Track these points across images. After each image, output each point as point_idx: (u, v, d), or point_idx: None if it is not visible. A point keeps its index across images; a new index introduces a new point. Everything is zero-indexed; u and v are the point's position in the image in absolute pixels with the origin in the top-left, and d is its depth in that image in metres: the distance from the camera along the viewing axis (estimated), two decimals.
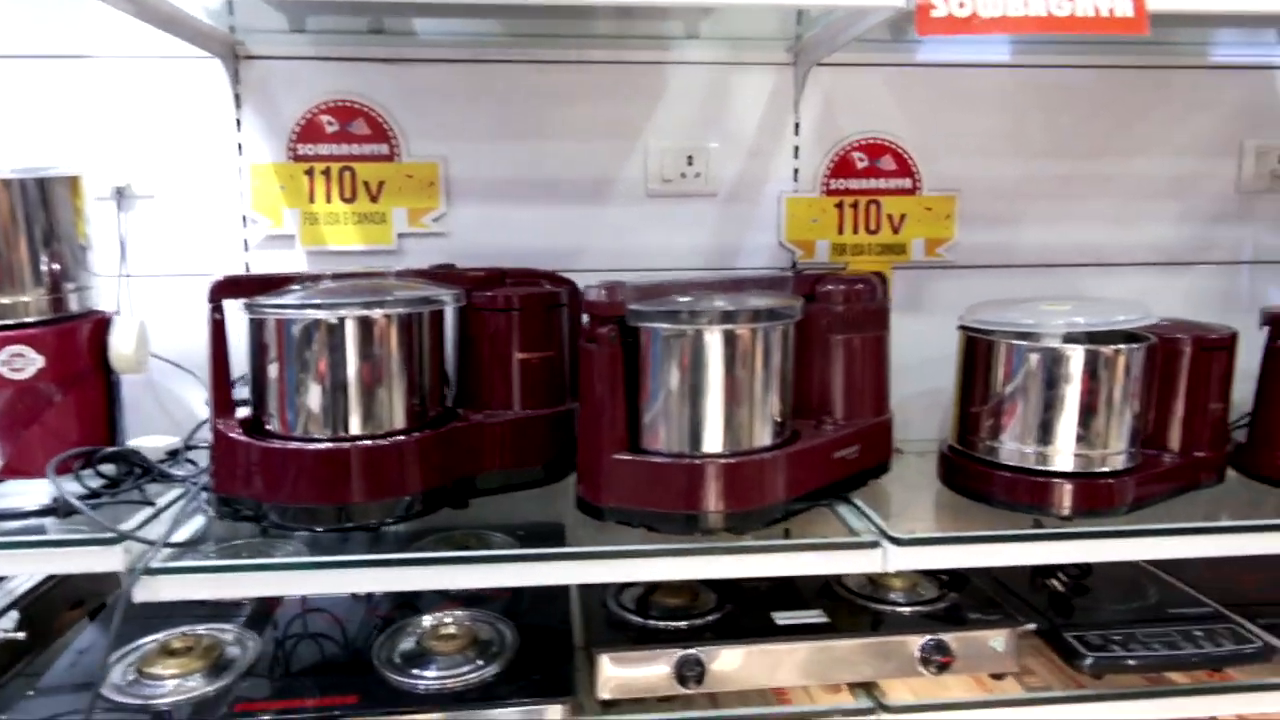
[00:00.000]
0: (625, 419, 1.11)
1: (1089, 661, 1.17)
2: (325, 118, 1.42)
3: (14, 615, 1.13)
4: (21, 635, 1.13)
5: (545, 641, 1.19)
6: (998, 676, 1.21)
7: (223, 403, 1.15)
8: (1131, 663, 1.17)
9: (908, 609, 1.25)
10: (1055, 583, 1.35)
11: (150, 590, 1.01)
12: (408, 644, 1.17)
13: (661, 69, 1.46)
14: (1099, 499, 1.19)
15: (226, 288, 1.15)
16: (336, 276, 1.18)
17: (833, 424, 1.24)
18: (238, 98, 1.41)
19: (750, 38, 1.46)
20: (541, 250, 1.47)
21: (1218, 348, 1.26)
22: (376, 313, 1.12)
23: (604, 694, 1.13)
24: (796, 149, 1.50)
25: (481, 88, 1.44)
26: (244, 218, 1.43)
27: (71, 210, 1.14)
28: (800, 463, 1.16)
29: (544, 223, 1.48)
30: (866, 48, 1.48)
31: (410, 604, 1.31)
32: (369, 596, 1.36)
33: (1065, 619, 1.28)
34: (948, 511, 1.26)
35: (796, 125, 1.50)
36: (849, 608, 1.26)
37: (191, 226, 1.43)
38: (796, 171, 1.51)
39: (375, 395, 1.14)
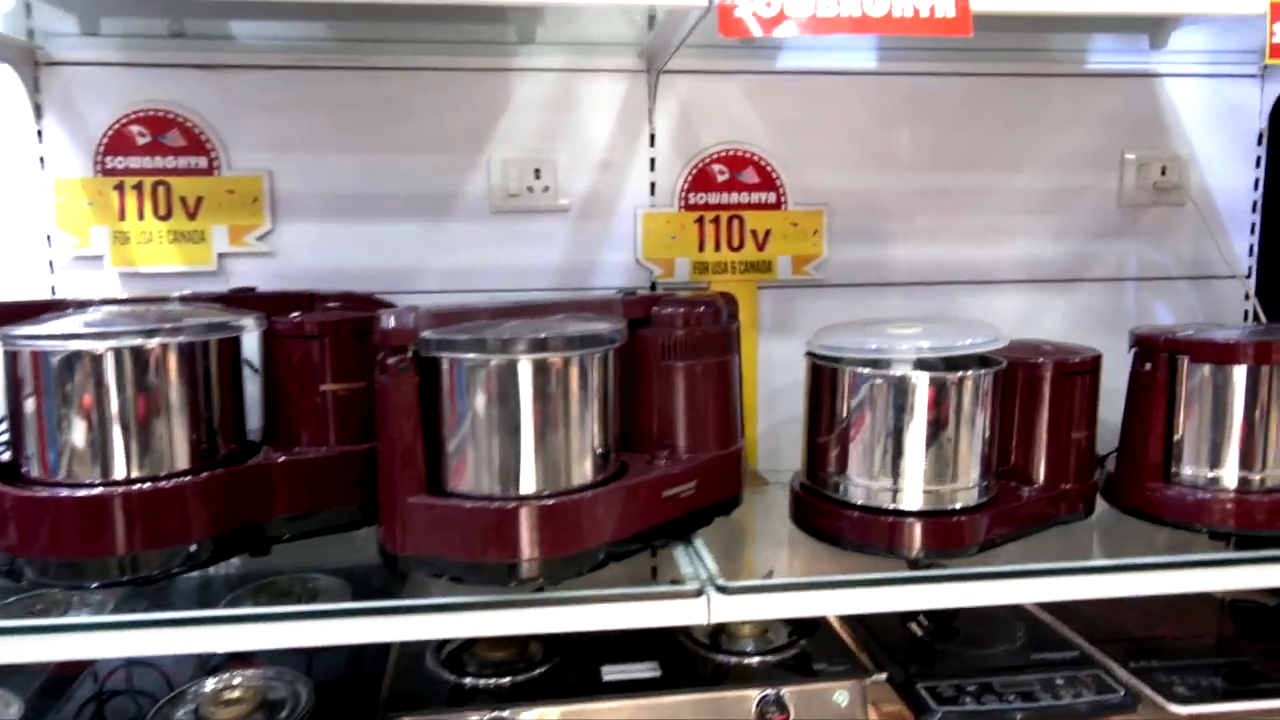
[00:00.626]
0: (423, 458, 1.01)
1: (937, 717, 1.08)
2: (136, 128, 1.31)
3: None
4: None
5: (345, 703, 1.08)
6: None
7: None
8: (982, 718, 1.08)
9: (753, 659, 1.16)
10: (916, 627, 1.26)
11: None
12: (183, 713, 1.06)
13: (505, 76, 1.37)
14: (950, 538, 1.11)
15: None
16: (108, 302, 1.08)
17: (667, 458, 1.15)
18: (38, 108, 1.30)
19: (598, 43, 1.37)
20: (378, 270, 1.37)
21: (1079, 372, 1.18)
22: (151, 342, 1.01)
23: None
24: (653, 161, 1.42)
25: (309, 97, 1.34)
26: (48, 237, 1.32)
27: None
28: (624, 502, 1.06)
29: (380, 241, 1.38)
30: (723, 54, 1.40)
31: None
32: None
33: (924, 666, 1.19)
34: (797, 553, 1.17)
35: (652, 136, 1.41)
36: (688, 658, 1.16)
37: None
38: (653, 185, 1.42)
39: (150, 433, 1.02)
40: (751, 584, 1.03)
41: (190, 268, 1.34)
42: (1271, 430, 1.17)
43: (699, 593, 1.02)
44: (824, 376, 1.13)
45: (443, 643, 1.18)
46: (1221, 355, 1.15)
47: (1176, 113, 1.52)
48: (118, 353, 0.99)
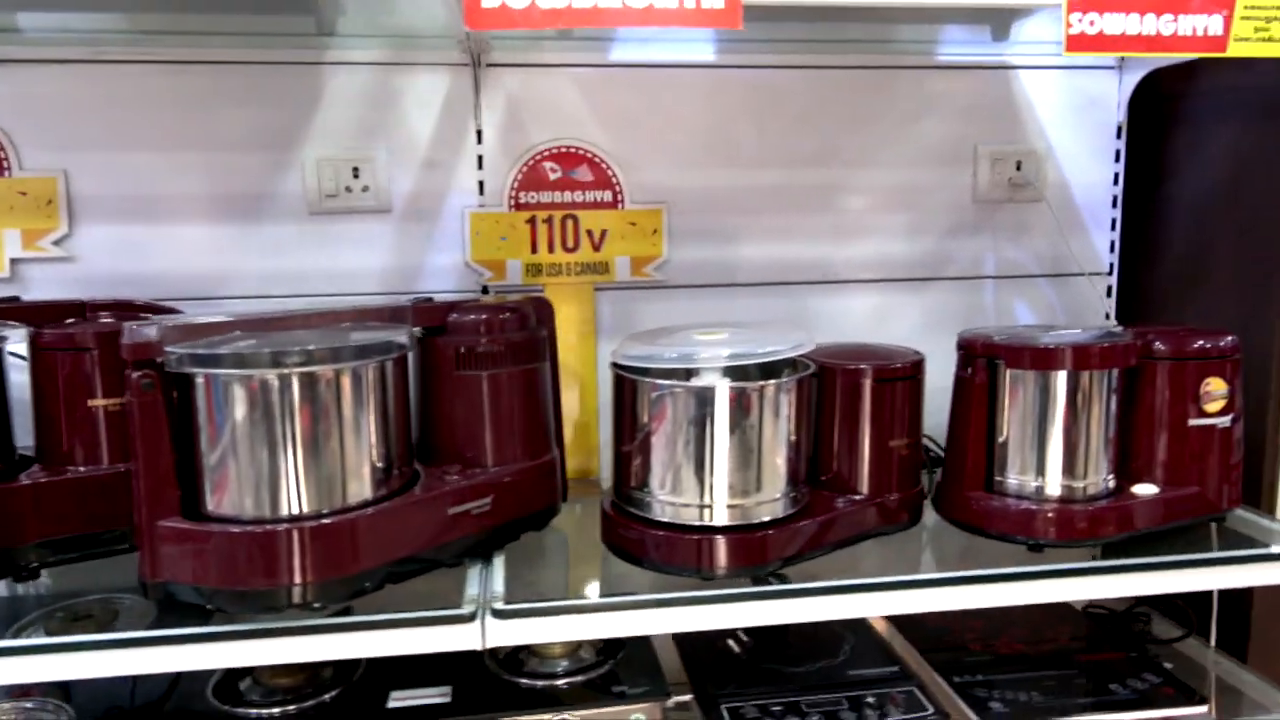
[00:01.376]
0: (175, 480, 0.95)
1: None
2: None
3: None
4: None
5: None
6: None
7: None
8: None
9: (553, 680, 1.11)
10: (734, 643, 1.21)
11: None
12: None
13: (317, 70, 1.30)
14: (754, 554, 1.06)
15: None
16: None
17: (459, 473, 1.09)
18: None
19: (417, 34, 1.30)
20: (186, 276, 1.30)
21: (897, 378, 1.14)
22: None
23: None
24: (480, 159, 1.35)
25: (108, 93, 1.27)
26: None
27: None
28: (405, 520, 1.01)
29: (188, 245, 1.31)
30: (552, 47, 1.34)
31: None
32: None
33: (739, 685, 1.15)
34: (609, 571, 1.12)
35: (479, 133, 1.35)
36: (485, 681, 1.11)
37: None
38: (481, 184, 1.36)
39: None
40: (528, 607, 0.98)
41: None
42: (1093, 438, 1.13)
43: (472, 616, 0.97)
44: (625, 387, 1.08)
45: (230, 669, 1.12)
46: (1036, 360, 1.11)
47: (1031, 106, 1.47)
48: None
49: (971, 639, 1.29)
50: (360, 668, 1.12)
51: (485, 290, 1.38)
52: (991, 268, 1.50)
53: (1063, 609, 1.40)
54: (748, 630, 1.25)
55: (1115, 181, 1.51)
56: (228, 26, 1.27)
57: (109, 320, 1.10)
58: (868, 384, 1.13)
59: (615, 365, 1.09)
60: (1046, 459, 1.13)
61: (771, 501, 1.07)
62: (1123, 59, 1.47)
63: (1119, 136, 1.50)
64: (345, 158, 1.32)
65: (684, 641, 1.23)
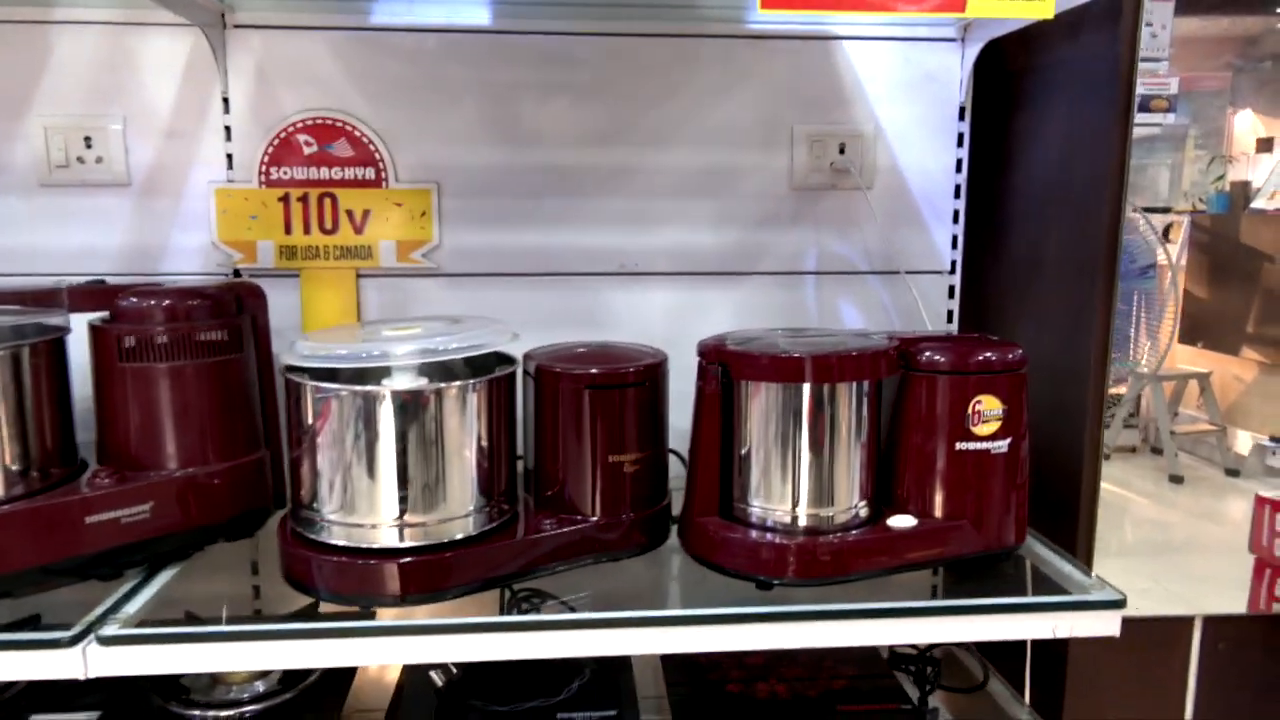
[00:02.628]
0: None
1: None
2: None
3: None
4: None
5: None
6: None
7: None
8: None
9: (220, 711, 1.00)
10: (436, 675, 1.09)
11: None
12: None
13: (43, 30, 1.20)
14: (434, 580, 0.93)
15: None
16: None
17: (114, 475, 0.98)
18: None
19: None
20: None
21: (623, 384, 1.00)
22: None
23: None
24: (228, 130, 1.24)
25: None
26: None
27: None
28: (25, 527, 0.91)
29: None
30: (305, 6, 1.22)
31: None
32: None
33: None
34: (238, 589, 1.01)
35: (225, 101, 1.24)
36: (141, 705, 1.00)
37: None
38: (230, 158, 1.25)
39: None
40: (139, 633, 0.87)
41: None
42: (839, 461, 0.98)
43: (75, 640, 0.86)
44: (290, 391, 0.96)
45: None
46: (772, 371, 0.96)
47: (859, 82, 1.31)
48: None
49: (736, 677, 1.16)
50: (16, 686, 1.02)
51: (237, 274, 1.27)
52: (813, 263, 1.35)
53: (868, 650, 1.25)
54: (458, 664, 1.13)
55: (958, 169, 1.34)
56: None
57: None
58: (585, 391, 1.00)
59: (285, 367, 0.97)
60: (786, 483, 0.98)
61: (457, 519, 0.95)
62: (966, 28, 1.30)
63: (961, 118, 1.33)
64: (76, 126, 1.21)
65: (405, 670, 1.11)
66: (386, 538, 0.93)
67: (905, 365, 1.01)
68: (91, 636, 0.86)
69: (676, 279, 1.33)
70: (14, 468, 0.94)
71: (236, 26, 1.21)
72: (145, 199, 1.24)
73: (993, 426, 0.99)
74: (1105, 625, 0.95)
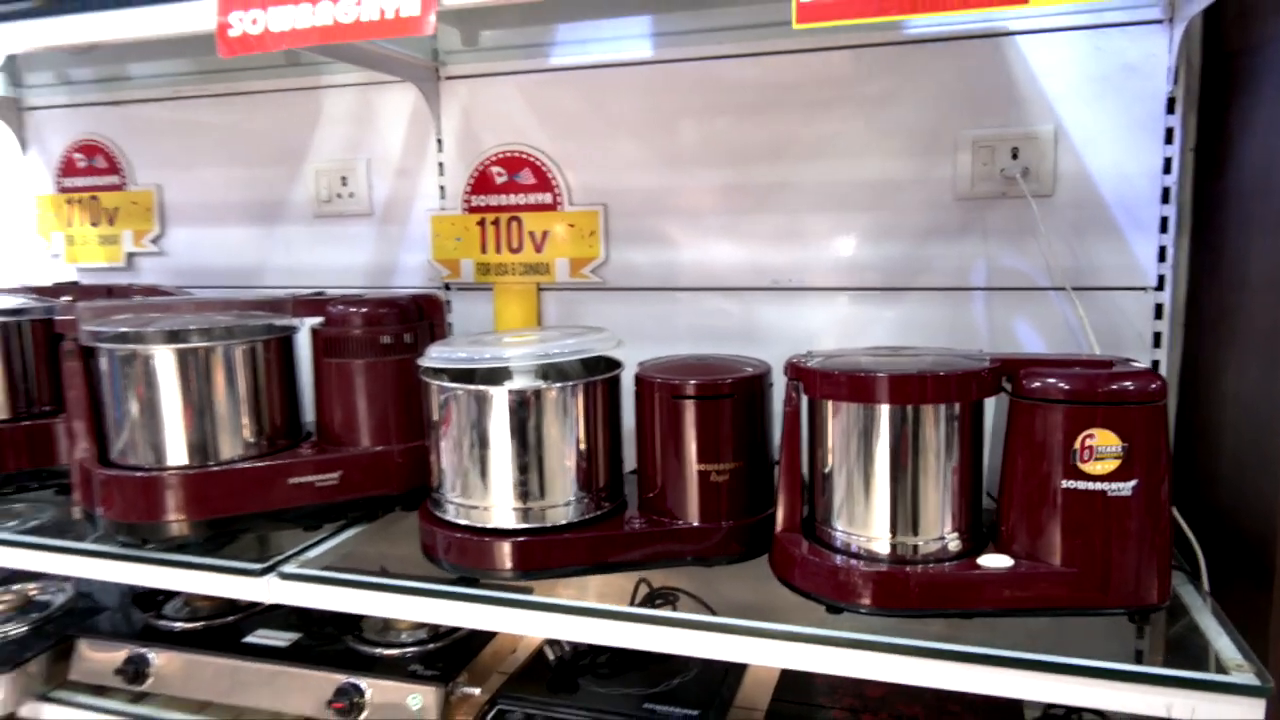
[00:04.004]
0: (92, 433, 1.21)
1: None
2: (78, 155, 1.68)
3: None
4: None
5: (75, 614, 1.33)
6: None
7: None
8: None
9: (383, 650, 1.19)
10: (549, 650, 1.18)
11: None
12: None
13: (315, 94, 1.51)
14: (530, 560, 1.04)
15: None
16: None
17: (315, 447, 1.22)
18: (23, 143, 1.72)
19: (387, 55, 1.45)
20: (239, 268, 1.60)
21: (712, 395, 1.03)
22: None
23: (76, 674, 1.25)
24: (441, 165, 1.46)
25: (188, 123, 1.60)
26: (28, 242, 1.75)
27: None
28: (248, 481, 1.17)
29: (240, 243, 1.60)
30: (499, 55, 1.40)
31: None
32: None
33: (525, 691, 1.13)
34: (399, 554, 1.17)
35: (439, 142, 1.46)
36: (328, 638, 1.23)
37: (6, 246, 1.77)
38: (443, 189, 1.47)
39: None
40: (308, 573, 1.08)
41: (111, 264, 1.69)
42: (926, 489, 0.92)
43: (263, 573, 1.10)
44: (424, 390, 1.12)
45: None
46: (850, 390, 0.93)
47: (1035, 80, 1.19)
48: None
49: (848, 705, 1.11)
50: (245, 609, 1.31)
51: (447, 287, 1.49)
52: (982, 278, 1.24)
53: (1009, 701, 1.13)
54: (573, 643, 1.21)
55: (1166, 169, 1.16)
56: (255, 61, 1.53)
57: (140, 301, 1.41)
58: (673, 400, 1.04)
59: (421, 369, 1.13)
60: (866, 508, 0.94)
61: (559, 507, 1.05)
62: (1174, 4, 1.12)
63: (1170, 110, 1.15)
64: (335, 168, 1.52)
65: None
66: (498, 519, 1.06)
67: (1012, 391, 0.92)
68: (274, 572, 1.10)
69: (833, 294, 1.31)
70: (248, 436, 1.21)
71: (447, 79, 1.43)
72: (383, 225, 1.52)
73: (1109, 465, 0.86)
74: (1239, 711, 0.79)
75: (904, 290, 1.28)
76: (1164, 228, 1.17)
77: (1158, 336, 1.19)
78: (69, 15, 1.11)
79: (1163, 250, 1.17)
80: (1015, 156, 1.21)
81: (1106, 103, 1.17)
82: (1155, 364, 1.19)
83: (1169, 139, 1.15)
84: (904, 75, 1.24)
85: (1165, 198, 1.16)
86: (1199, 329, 1.17)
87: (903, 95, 1.24)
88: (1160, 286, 1.18)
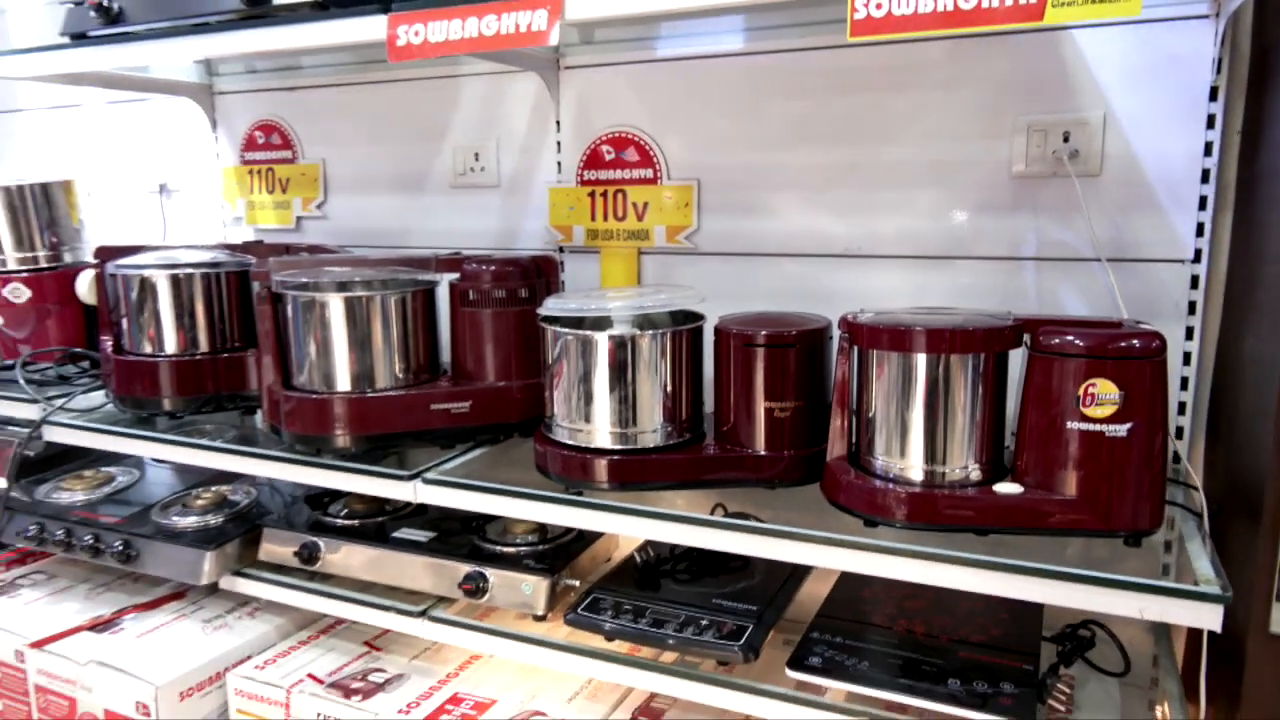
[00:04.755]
0: (278, 363, 1.51)
1: (569, 616, 1.28)
2: (258, 133, 1.99)
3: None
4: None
5: (261, 509, 1.65)
6: (540, 618, 1.37)
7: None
8: (609, 627, 1.25)
9: (500, 547, 1.44)
10: (638, 555, 1.41)
11: (56, 434, 1.69)
12: (176, 505, 1.71)
13: (455, 82, 1.76)
14: (626, 474, 1.27)
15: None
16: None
17: (450, 380, 1.48)
18: (214, 123, 2.04)
19: (516, 51, 1.68)
20: (388, 230, 1.88)
21: (777, 344, 1.22)
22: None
23: (263, 556, 1.56)
24: (559, 144, 1.69)
25: (350, 106, 1.88)
26: (221, 205, 2.08)
27: (66, 203, 1.87)
28: (394, 406, 1.44)
29: (389, 209, 1.88)
30: (611, 48, 1.61)
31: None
32: None
33: (617, 585, 1.36)
34: (524, 474, 1.41)
35: (558, 123, 1.68)
36: (460, 535, 1.49)
37: (196, 210, 2.12)
38: (559, 165, 1.70)
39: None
40: (445, 479, 1.34)
41: (283, 226, 2.00)
42: (954, 426, 1.10)
43: (411, 478, 1.37)
44: (541, 335, 1.35)
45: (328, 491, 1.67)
46: (892, 341, 1.11)
47: (1088, 69, 1.31)
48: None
49: (888, 613, 1.30)
50: (391, 512, 1.59)
51: (561, 250, 1.72)
52: (1033, 249, 1.38)
53: (1031, 618, 1.29)
54: (657, 549, 1.44)
55: (1207, 152, 1.27)
56: None
57: (305, 257, 1.71)
58: (744, 348, 1.24)
59: (540, 316, 1.36)
60: (902, 440, 1.13)
61: (648, 433, 1.28)
62: (1218, 3, 1.23)
63: (1213, 99, 1.25)
64: (470, 146, 1.76)
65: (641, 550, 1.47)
66: (599, 440, 1.29)
67: (1029, 345, 1.08)
68: (419, 478, 1.36)
69: (898, 261, 1.48)
70: (398, 370, 1.48)
71: (566, 68, 1.65)
72: (509, 196, 1.76)
73: (1108, 410, 1.02)
74: (1201, 617, 0.94)
75: (961, 259, 1.43)
76: (1203, 206, 1.28)
77: (1193, 305, 1.31)
78: (265, 28, 1.38)
79: (1200, 226, 1.29)
80: (1066, 140, 1.34)
81: (1153, 91, 1.29)
82: (1189, 330, 1.31)
83: (1210, 124, 1.26)
84: (966, 65, 1.38)
85: (1205, 178, 1.28)
86: (1234, 299, 1.28)
87: (964, 83, 1.39)
88: (1197, 259, 1.30)
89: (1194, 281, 1.31)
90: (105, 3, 1.56)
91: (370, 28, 1.26)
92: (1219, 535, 1.24)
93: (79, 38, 1.63)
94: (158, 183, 2.15)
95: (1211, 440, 1.35)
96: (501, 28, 1.16)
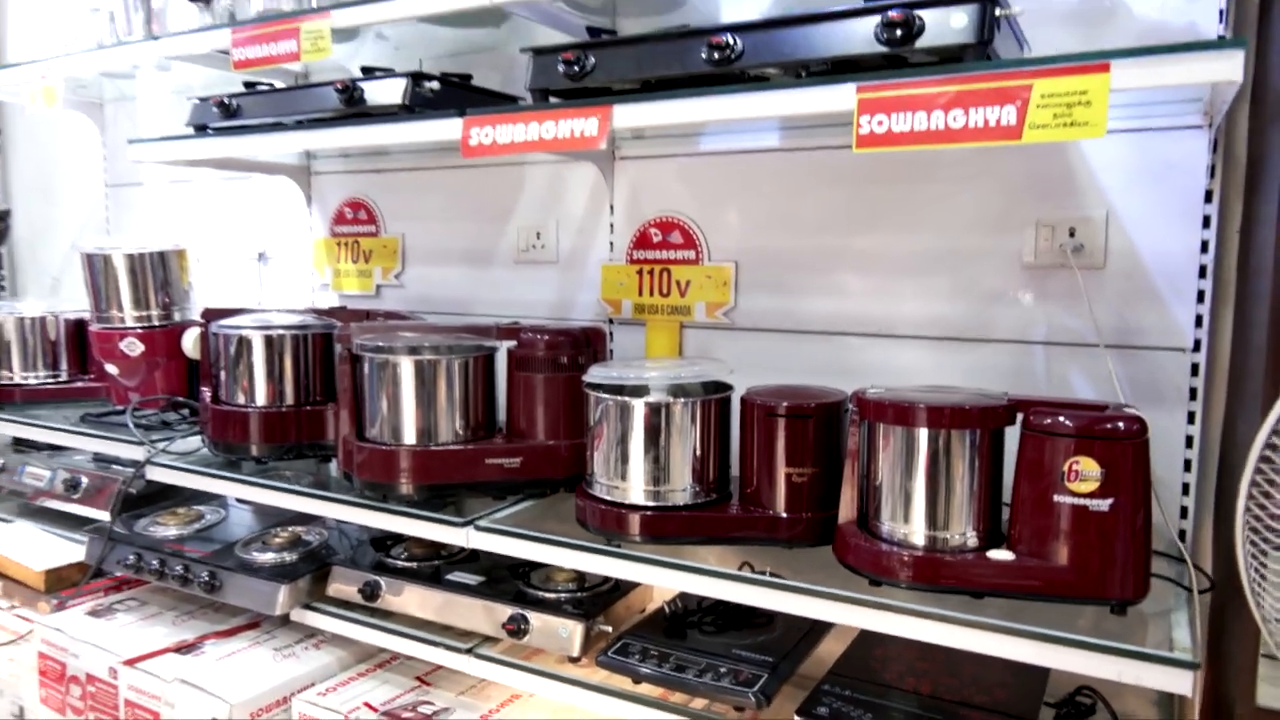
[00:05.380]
0: (353, 417, 1.68)
1: (600, 658, 1.40)
2: (347, 209, 2.22)
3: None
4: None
5: (330, 549, 1.82)
6: (574, 660, 1.49)
7: None
8: (635, 670, 1.37)
9: (542, 592, 1.58)
10: (666, 607, 1.52)
11: (157, 474, 1.90)
12: (256, 542, 1.89)
13: (521, 169, 1.96)
14: (655, 529, 1.40)
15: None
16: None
17: (504, 437, 1.64)
18: (309, 199, 2.29)
19: None
20: (457, 299, 2.08)
21: (797, 415, 1.35)
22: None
23: (330, 591, 1.72)
24: (612, 226, 1.86)
25: (430, 188, 2.10)
26: (311, 273, 2.31)
27: (179, 268, 2.12)
28: (456, 459, 1.60)
29: (459, 280, 2.08)
30: (660, 143, 1.79)
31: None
32: None
33: (662, 635, 1.47)
34: (568, 526, 1.54)
35: (611, 207, 1.86)
36: (508, 581, 1.63)
37: (289, 276, 2.35)
38: (612, 244, 1.87)
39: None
40: (495, 527, 1.49)
41: (364, 293, 2.21)
42: (954, 495, 1.20)
43: (464, 525, 1.52)
44: (585, 399, 1.50)
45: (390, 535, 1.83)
46: (895, 416, 1.22)
47: (1092, 172, 1.43)
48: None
49: (898, 670, 1.38)
50: (446, 557, 1.74)
51: (610, 321, 1.88)
52: (1042, 334, 1.48)
53: (1035, 683, 1.36)
54: (684, 600, 1.55)
55: (1204, 250, 1.36)
56: None
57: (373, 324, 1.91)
58: (766, 417, 1.37)
59: (583, 383, 1.51)
60: (904, 507, 1.23)
61: (678, 491, 1.41)
62: (1210, 116, 1.34)
63: (1208, 201, 1.35)
64: (533, 226, 1.95)
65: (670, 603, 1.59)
66: (634, 497, 1.42)
67: (1023, 425, 1.18)
68: (472, 525, 1.51)
69: (918, 341, 1.59)
70: (458, 428, 1.64)
71: (620, 159, 1.83)
72: (566, 271, 1.94)
73: (1090, 485, 1.11)
74: (1173, 682, 1.02)
75: (976, 341, 1.54)
76: (1201, 299, 1.38)
77: (1194, 391, 1.39)
78: (360, 126, 1.60)
79: (1199, 318, 1.38)
80: (1072, 234, 1.45)
81: (1152, 192, 1.40)
82: (1190, 415, 1.39)
83: (1206, 224, 1.36)
84: (982, 164, 1.51)
85: (1202, 274, 1.37)
86: (1235, 387, 1.36)
87: (980, 181, 1.52)
88: (1197, 348, 1.38)
89: (1194, 369, 1.39)
90: (226, 100, 1.81)
91: (449, 129, 1.46)
92: (1219, 611, 1.30)
93: (201, 129, 1.89)
94: (257, 251, 2.40)
95: (1218, 520, 1.41)
96: (559, 132, 1.34)
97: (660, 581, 1.35)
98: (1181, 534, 1.41)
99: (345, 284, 2.25)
